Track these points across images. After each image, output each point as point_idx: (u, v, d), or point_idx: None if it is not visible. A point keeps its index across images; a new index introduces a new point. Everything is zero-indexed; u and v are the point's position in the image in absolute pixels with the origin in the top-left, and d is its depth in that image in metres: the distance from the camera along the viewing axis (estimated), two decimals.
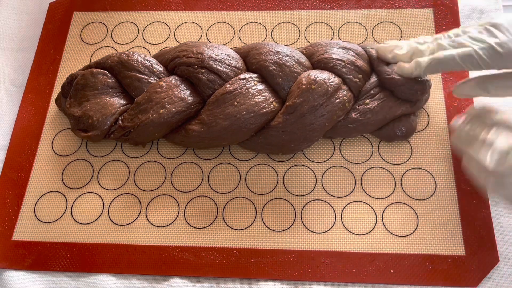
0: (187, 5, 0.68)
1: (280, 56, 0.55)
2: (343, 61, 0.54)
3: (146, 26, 0.66)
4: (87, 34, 0.67)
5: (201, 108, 0.55)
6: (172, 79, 0.55)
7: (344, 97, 0.53)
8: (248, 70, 0.56)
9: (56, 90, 0.63)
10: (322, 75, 0.53)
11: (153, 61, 0.57)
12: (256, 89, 0.53)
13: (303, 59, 0.56)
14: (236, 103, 0.52)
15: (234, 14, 0.67)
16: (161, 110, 0.53)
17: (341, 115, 0.53)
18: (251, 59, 0.56)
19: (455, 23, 0.63)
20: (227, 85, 0.54)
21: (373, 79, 0.55)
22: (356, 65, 0.54)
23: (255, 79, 0.54)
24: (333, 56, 0.54)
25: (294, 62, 0.54)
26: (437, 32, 0.63)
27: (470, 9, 0.64)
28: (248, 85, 0.53)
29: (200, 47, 0.56)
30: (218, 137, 0.53)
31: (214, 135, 0.53)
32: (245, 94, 0.53)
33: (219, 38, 0.65)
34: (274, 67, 0.54)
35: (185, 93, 0.54)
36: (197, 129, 0.53)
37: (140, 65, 0.56)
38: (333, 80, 0.53)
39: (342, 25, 0.65)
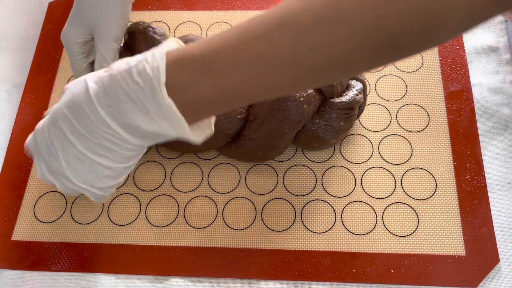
0: (187, 5, 0.68)
1: None
2: None
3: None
4: None
5: None
6: None
7: (301, 98, 0.51)
8: None
9: (56, 89, 0.63)
10: None
11: None
12: None
13: None
14: None
15: (234, 13, 0.67)
16: None
17: (299, 120, 0.52)
18: None
19: None
20: None
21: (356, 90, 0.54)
22: None
23: None
24: None
25: None
26: None
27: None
28: None
29: (199, 39, 0.56)
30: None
31: None
32: None
33: None
34: None
35: None
36: None
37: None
38: None
39: None
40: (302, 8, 0.33)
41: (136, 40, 0.56)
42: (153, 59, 0.37)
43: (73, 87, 0.41)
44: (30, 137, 0.45)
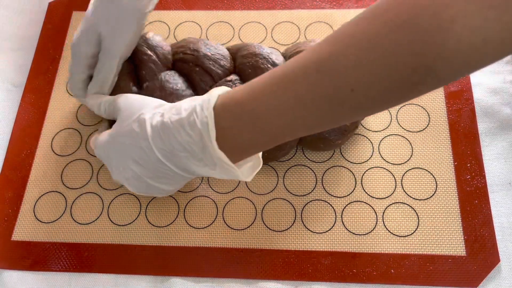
0: (187, 4, 0.68)
1: (257, 59, 0.54)
2: None
3: (145, 26, 0.66)
4: None
5: None
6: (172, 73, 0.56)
7: None
8: (234, 70, 0.56)
9: (56, 90, 0.63)
10: None
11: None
12: None
13: (279, 60, 0.55)
14: None
15: (234, 13, 0.67)
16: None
17: None
18: (236, 60, 0.56)
19: None
20: (214, 88, 0.53)
21: None
22: None
23: (238, 81, 0.54)
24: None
25: (269, 65, 0.54)
26: None
27: None
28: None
29: (197, 44, 0.56)
30: None
31: None
32: None
33: (219, 38, 0.65)
34: (250, 71, 0.53)
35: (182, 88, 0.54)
36: None
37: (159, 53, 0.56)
38: None
39: None
40: (340, 50, 0.34)
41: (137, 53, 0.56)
42: (202, 112, 0.39)
43: (128, 116, 0.45)
44: (94, 146, 0.50)
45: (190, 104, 0.41)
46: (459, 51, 0.31)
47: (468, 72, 0.34)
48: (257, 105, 0.38)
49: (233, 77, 0.54)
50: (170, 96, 0.53)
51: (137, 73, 0.55)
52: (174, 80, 0.54)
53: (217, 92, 0.40)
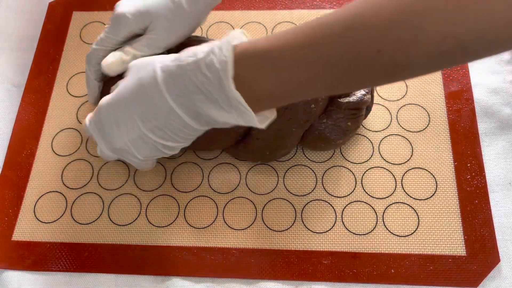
0: None
1: None
2: None
3: None
4: (86, 34, 0.66)
5: None
6: None
7: (308, 98, 0.50)
8: None
9: (56, 90, 0.63)
10: None
11: None
12: None
13: None
14: None
15: (234, 13, 0.67)
16: None
17: (307, 119, 0.52)
18: None
19: None
20: None
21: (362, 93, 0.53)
22: None
23: None
24: None
25: None
26: None
27: None
28: None
29: (200, 43, 0.56)
30: (207, 138, 0.50)
31: (201, 137, 0.49)
32: None
33: (219, 38, 0.64)
34: None
35: None
36: None
37: None
38: None
39: None
40: (371, 11, 0.33)
41: None
42: (221, 52, 0.38)
43: (138, 69, 0.43)
44: (91, 116, 0.46)
45: (208, 46, 0.39)
46: (493, 25, 0.30)
47: (498, 52, 0.33)
48: (281, 55, 0.37)
49: None
50: None
51: None
52: None
53: (237, 35, 0.39)
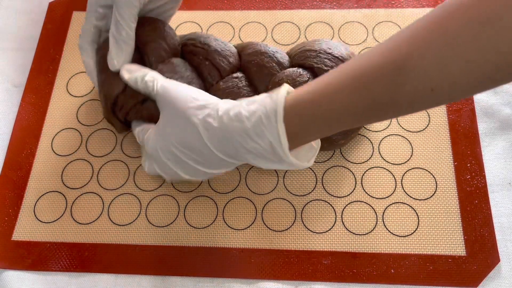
0: (187, 4, 0.68)
1: (263, 57, 0.54)
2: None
3: None
4: None
5: None
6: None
7: None
8: (239, 68, 0.56)
9: (56, 89, 0.63)
10: (289, 73, 0.52)
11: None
12: (246, 90, 0.53)
13: (284, 59, 0.55)
14: None
15: (234, 13, 0.67)
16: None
17: None
18: (242, 58, 0.56)
19: None
20: (221, 83, 0.53)
21: None
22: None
23: (243, 79, 0.54)
24: (314, 60, 0.53)
25: (274, 63, 0.54)
26: None
27: None
28: (240, 85, 0.53)
29: (208, 39, 0.56)
30: None
31: None
32: (236, 93, 0.52)
33: (219, 37, 0.65)
34: (255, 69, 0.54)
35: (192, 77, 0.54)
36: None
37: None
38: (300, 78, 0.52)
39: (342, 25, 0.65)
40: (417, 52, 0.34)
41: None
42: (270, 124, 0.39)
43: (173, 116, 0.44)
44: (143, 161, 0.51)
45: (250, 110, 0.40)
46: None
47: None
48: (330, 106, 0.38)
49: (238, 74, 0.54)
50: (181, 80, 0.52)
51: (144, 59, 0.54)
52: (185, 67, 0.54)
53: (282, 97, 0.39)
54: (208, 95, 0.45)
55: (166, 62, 0.53)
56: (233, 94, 0.52)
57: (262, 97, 0.41)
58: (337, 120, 0.38)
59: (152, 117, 0.51)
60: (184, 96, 0.45)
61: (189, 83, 0.52)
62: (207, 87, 0.54)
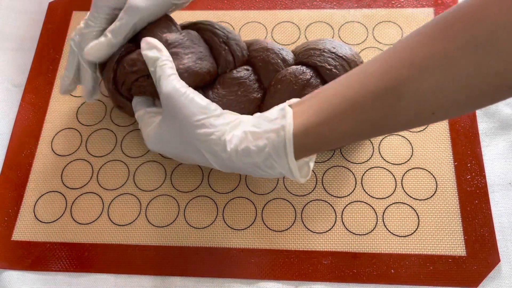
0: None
1: (269, 53, 0.54)
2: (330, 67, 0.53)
3: None
4: None
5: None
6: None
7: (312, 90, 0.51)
8: (246, 62, 0.56)
9: (56, 89, 0.63)
10: (292, 71, 0.53)
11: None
12: (256, 84, 0.53)
13: (289, 57, 0.55)
14: (239, 92, 0.52)
15: (234, 13, 0.67)
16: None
17: None
18: (249, 54, 0.56)
19: None
20: (234, 72, 0.54)
21: None
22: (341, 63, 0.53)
23: (252, 72, 0.54)
24: (318, 59, 0.53)
25: (279, 60, 0.54)
26: None
27: None
28: (251, 78, 0.53)
29: (226, 28, 0.56)
30: None
31: None
32: (248, 86, 0.53)
33: None
34: (261, 64, 0.54)
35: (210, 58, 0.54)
36: None
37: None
38: (303, 75, 0.52)
39: (342, 25, 0.65)
40: (416, 77, 0.34)
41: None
42: (279, 158, 0.41)
43: (180, 138, 0.45)
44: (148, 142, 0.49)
45: (259, 146, 0.41)
46: None
47: None
48: (335, 135, 0.40)
49: (248, 67, 0.55)
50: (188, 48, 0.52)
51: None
52: (199, 42, 0.53)
53: (290, 137, 0.40)
54: (212, 110, 0.44)
55: (182, 32, 0.53)
56: (245, 85, 0.53)
57: (268, 130, 0.41)
58: (340, 143, 0.43)
59: (157, 93, 0.49)
60: (187, 112, 0.44)
61: (201, 59, 0.52)
62: (219, 73, 0.54)
